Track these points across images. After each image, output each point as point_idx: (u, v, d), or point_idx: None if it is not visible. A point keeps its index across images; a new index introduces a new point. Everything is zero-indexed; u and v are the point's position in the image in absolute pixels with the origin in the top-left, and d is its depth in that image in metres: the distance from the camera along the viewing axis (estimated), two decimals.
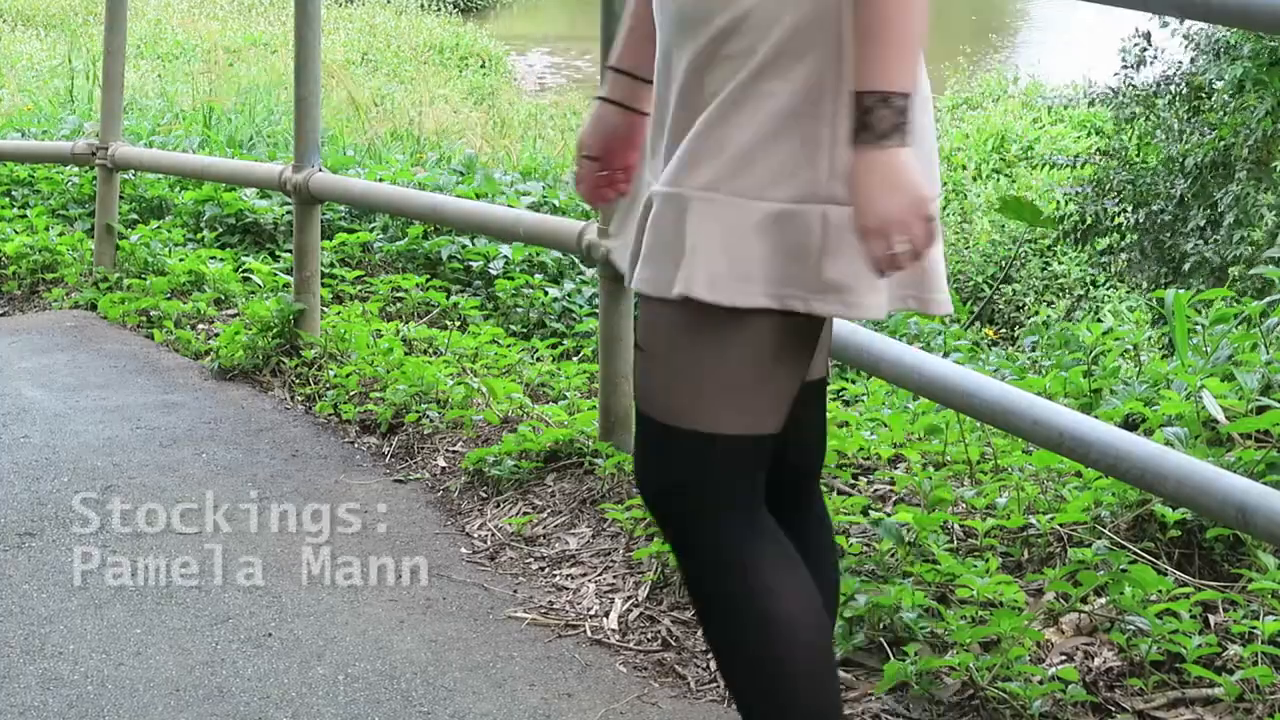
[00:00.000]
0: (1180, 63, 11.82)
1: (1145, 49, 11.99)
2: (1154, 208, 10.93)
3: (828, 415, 2.14)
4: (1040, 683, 2.75)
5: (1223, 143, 10.58)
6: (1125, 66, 12.11)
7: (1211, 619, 2.94)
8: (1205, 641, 2.80)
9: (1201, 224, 10.51)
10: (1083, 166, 12.50)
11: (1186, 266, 10.31)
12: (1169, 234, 10.88)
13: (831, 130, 1.93)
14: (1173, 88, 11.51)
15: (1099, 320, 8.06)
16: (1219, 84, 10.86)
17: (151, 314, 5.62)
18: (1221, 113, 10.80)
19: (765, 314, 1.95)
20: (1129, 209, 11.16)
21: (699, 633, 3.10)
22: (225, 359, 4.99)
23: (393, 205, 5.34)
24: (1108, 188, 11.40)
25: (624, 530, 3.61)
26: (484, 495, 3.93)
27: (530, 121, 15.75)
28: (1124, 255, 11.31)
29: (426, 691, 2.94)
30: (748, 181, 1.93)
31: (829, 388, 4.72)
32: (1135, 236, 11.10)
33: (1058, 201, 11.97)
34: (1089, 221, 11.42)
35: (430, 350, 5.10)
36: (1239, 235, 9.91)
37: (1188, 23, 11.70)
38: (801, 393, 2.10)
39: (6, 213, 7.04)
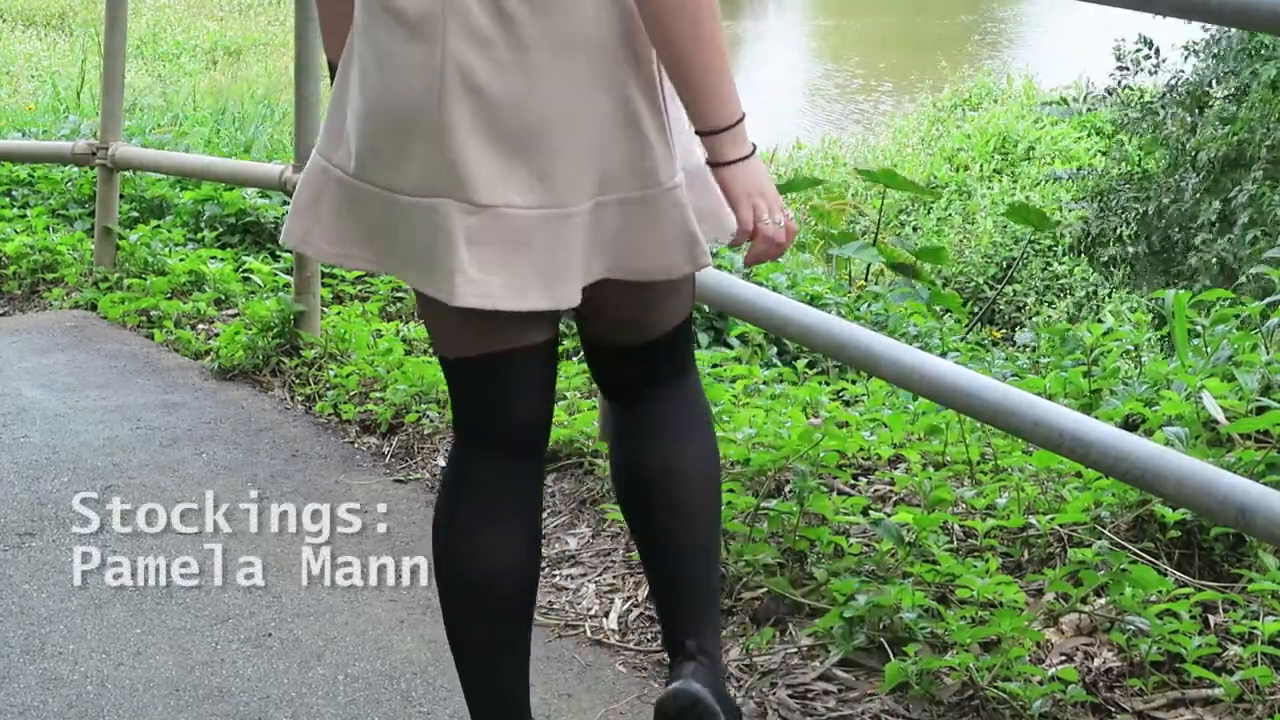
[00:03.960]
0: (1182, 71, 11.77)
1: (1146, 55, 11.92)
2: (1161, 202, 10.83)
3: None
4: (1040, 683, 2.75)
5: (1236, 138, 10.49)
6: (1121, 68, 12.06)
7: (1211, 619, 2.93)
8: (1205, 642, 2.80)
9: (1213, 219, 10.40)
10: (1085, 178, 12.45)
11: (1193, 260, 10.20)
12: (1177, 229, 10.77)
13: None
14: (1176, 94, 11.46)
15: (1099, 321, 8.04)
16: (1253, 85, 10.73)
17: (151, 314, 5.61)
18: (1236, 107, 10.70)
19: None
20: (1131, 221, 11.11)
21: None
22: (225, 359, 4.99)
23: None
24: (1113, 204, 11.34)
25: (624, 530, 3.60)
26: None
27: None
28: (1127, 266, 11.26)
29: (426, 691, 2.94)
30: None
31: (830, 387, 4.73)
32: (1137, 249, 11.04)
33: (1061, 215, 11.94)
34: (1093, 234, 11.38)
35: (430, 350, 5.09)
36: (1252, 235, 9.81)
37: (1186, 32, 11.68)
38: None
39: (6, 213, 7.02)
